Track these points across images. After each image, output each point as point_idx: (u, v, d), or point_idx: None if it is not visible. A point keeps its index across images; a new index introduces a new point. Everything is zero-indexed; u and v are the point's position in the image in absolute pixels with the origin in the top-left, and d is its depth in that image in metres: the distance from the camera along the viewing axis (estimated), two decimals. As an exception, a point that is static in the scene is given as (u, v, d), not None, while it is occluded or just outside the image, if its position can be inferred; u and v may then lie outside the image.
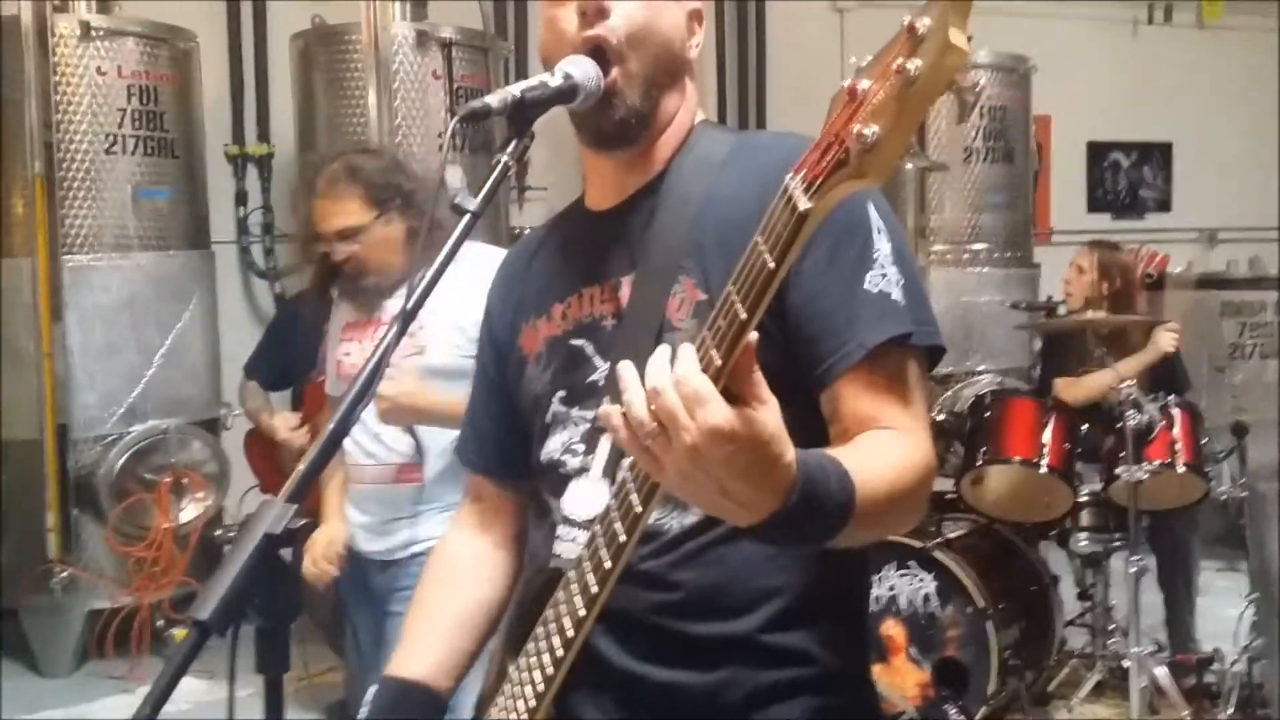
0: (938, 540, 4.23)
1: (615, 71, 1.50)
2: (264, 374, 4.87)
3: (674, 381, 1.07)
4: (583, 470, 1.52)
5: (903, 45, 1.00)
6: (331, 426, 1.49)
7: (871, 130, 1.01)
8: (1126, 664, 4.07)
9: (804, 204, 1.05)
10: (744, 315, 1.09)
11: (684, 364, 1.08)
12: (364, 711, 1.66)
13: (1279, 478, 4.29)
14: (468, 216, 1.50)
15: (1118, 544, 4.54)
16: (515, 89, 1.50)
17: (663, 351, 1.10)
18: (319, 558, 3.02)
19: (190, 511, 5.35)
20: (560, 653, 1.40)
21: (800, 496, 1.13)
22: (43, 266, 5.27)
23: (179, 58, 5.70)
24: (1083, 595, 4.83)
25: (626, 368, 1.11)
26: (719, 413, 1.06)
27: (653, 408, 1.08)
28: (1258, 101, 8.17)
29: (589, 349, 1.56)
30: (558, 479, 1.56)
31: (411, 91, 5.73)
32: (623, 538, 1.26)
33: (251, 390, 4.88)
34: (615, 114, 1.52)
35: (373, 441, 2.95)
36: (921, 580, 4.12)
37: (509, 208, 6.57)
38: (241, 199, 6.64)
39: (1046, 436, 4.34)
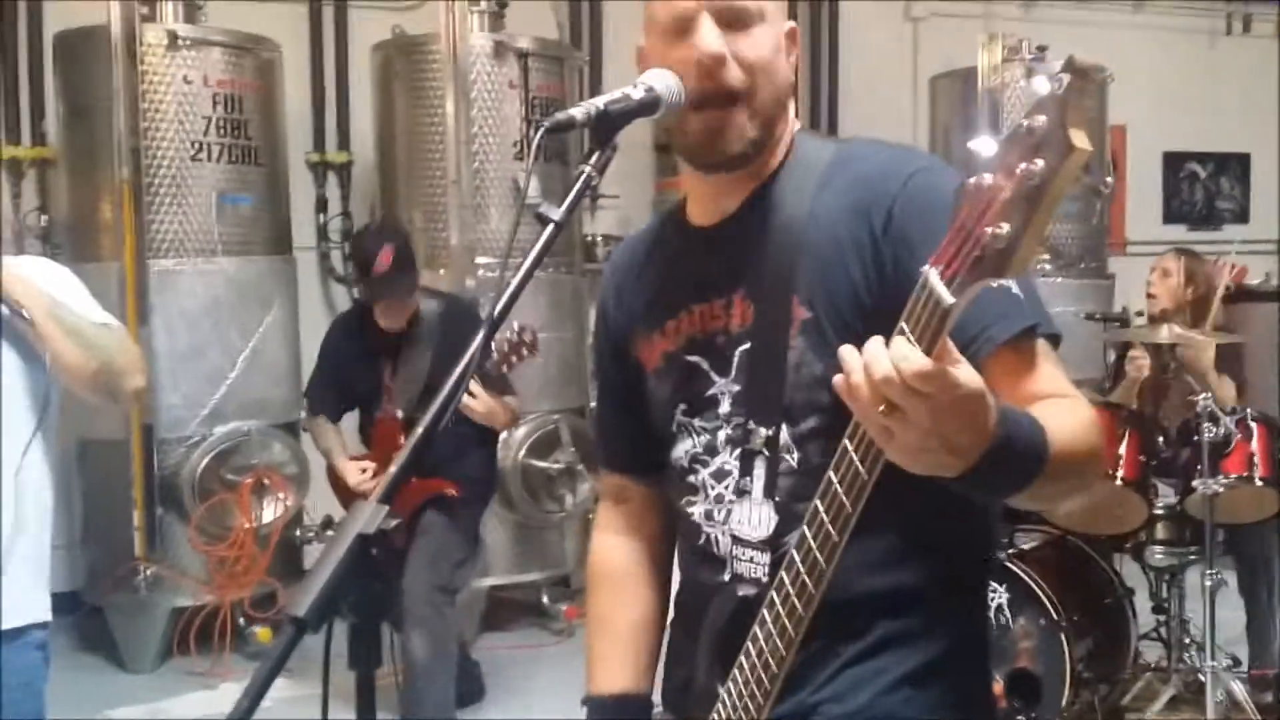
0: (1011, 551, 4.21)
1: (737, 111, 1.53)
2: (328, 406, 4.64)
3: (910, 370, 1.12)
4: (743, 493, 1.57)
5: (1023, 146, 1.04)
6: (421, 430, 1.54)
7: (1004, 228, 1.06)
8: (1202, 678, 4.03)
9: (948, 300, 1.12)
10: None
11: (905, 350, 1.14)
12: None
13: None
14: (551, 226, 1.54)
15: (1193, 557, 4.49)
16: (599, 101, 1.53)
17: (877, 344, 1.15)
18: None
19: (271, 512, 5.43)
20: (776, 670, 1.45)
21: (1004, 433, 1.20)
22: (129, 270, 5.38)
23: (263, 67, 5.80)
24: (1158, 609, 4.78)
25: (850, 352, 1.17)
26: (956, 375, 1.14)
27: (884, 388, 1.14)
28: (1337, 113, 8.05)
29: (704, 364, 1.63)
30: (684, 486, 1.66)
31: (488, 101, 5.80)
32: (849, 509, 1.30)
33: (321, 428, 4.63)
34: (732, 148, 1.55)
35: None
36: (995, 591, 4.11)
37: (581, 215, 6.62)
38: (322, 206, 6.76)
39: (1122, 449, 4.30)
